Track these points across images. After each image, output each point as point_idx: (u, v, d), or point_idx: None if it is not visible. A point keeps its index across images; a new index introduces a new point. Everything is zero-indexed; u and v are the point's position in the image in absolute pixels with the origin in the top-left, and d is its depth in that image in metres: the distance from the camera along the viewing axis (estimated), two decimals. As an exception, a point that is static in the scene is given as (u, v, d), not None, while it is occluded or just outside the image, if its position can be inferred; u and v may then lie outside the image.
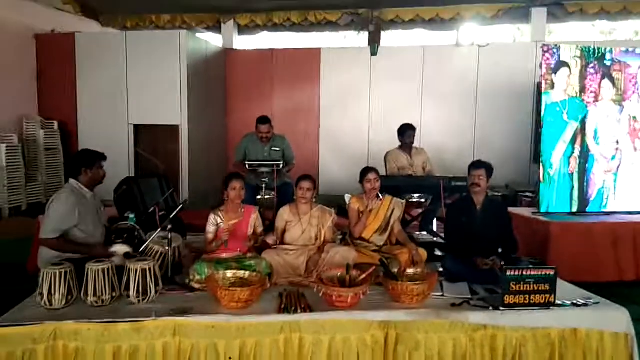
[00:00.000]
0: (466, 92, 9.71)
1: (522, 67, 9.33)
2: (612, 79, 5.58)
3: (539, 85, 6.52)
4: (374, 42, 9.44)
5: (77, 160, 3.54)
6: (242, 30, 10.87)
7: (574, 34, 13.32)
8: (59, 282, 2.81)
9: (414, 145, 5.73)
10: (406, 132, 5.61)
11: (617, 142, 5.63)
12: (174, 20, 10.39)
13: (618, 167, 5.66)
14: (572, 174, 5.50)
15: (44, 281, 2.81)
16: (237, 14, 10.30)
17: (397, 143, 5.73)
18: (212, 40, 10.51)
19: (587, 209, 5.57)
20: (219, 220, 3.75)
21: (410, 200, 5.25)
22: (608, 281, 4.91)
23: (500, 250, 3.77)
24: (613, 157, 5.63)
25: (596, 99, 5.53)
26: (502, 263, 3.52)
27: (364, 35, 9.98)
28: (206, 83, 9.80)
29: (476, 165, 3.89)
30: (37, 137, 8.88)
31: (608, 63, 5.56)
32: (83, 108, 9.43)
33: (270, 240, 3.81)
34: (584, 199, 5.58)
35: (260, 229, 3.91)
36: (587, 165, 5.55)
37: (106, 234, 3.61)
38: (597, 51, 5.55)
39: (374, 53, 9.48)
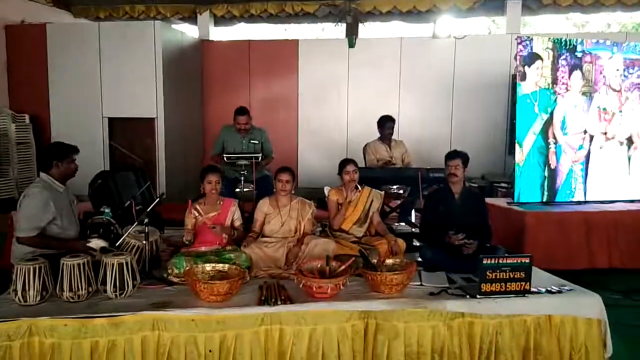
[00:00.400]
0: (443, 84, 9.80)
1: (498, 59, 9.44)
2: (582, 71, 5.68)
3: (514, 77, 6.62)
4: (351, 33, 9.42)
5: (48, 153, 3.44)
6: (218, 21, 10.74)
7: (548, 26, 13.54)
8: (33, 278, 2.75)
9: (393, 137, 5.76)
10: (386, 123, 5.64)
11: (585, 132, 5.73)
12: (149, 11, 10.20)
13: (587, 157, 5.78)
14: (545, 166, 5.60)
15: (18, 277, 2.75)
16: (213, 5, 10.17)
17: (376, 135, 5.76)
18: (187, 32, 10.36)
19: (556, 199, 5.68)
20: (197, 213, 3.71)
21: (389, 191, 5.28)
22: (582, 268, 5.05)
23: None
24: (580, 147, 5.74)
25: (567, 90, 5.63)
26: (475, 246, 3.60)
27: (342, 27, 9.96)
28: (182, 75, 9.67)
29: (452, 155, 3.93)
30: (8, 131, 8.64)
31: (579, 55, 5.66)
32: (55, 101, 9.21)
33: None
34: (552, 189, 5.68)
35: (238, 222, 3.88)
36: (555, 155, 5.65)
37: (81, 228, 3.55)
38: (568, 43, 5.63)
39: (351, 45, 9.46)
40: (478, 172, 8.89)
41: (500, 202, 5.82)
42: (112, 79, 8.99)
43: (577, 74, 5.65)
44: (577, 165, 5.75)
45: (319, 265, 3.23)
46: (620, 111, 5.84)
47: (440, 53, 9.74)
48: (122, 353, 2.64)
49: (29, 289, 2.75)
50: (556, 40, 5.60)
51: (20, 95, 9.23)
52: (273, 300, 2.86)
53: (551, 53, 5.55)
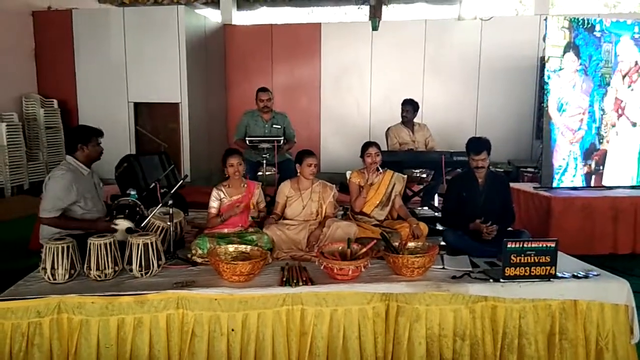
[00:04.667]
0: (468, 67, 9.63)
1: (526, 41, 9.22)
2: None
3: (542, 59, 6.43)
4: (375, 16, 9.30)
5: (73, 136, 3.50)
6: (241, 5, 10.74)
7: (578, 7, 13.09)
8: (62, 257, 2.82)
9: (417, 121, 5.69)
10: (405, 106, 5.58)
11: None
12: (172, -4, 10.28)
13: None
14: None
15: (47, 256, 2.82)
16: (235, -11, 10.17)
17: (399, 119, 5.70)
18: (210, 16, 10.38)
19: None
20: (222, 196, 3.75)
21: (412, 175, 5.24)
22: (608, 254, 4.98)
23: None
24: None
25: (585, 72, 5.44)
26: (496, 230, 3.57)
27: (365, 10, 9.84)
28: (205, 59, 9.72)
29: (476, 149, 3.76)
30: (37, 116, 8.86)
31: (598, 34, 5.44)
32: (82, 86, 9.39)
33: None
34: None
35: (262, 205, 3.91)
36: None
37: (107, 210, 3.61)
38: (586, 22, 5.41)
39: (375, 28, 9.34)
40: (504, 157, 8.75)
41: (527, 187, 5.72)
42: (137, 64, 9.10)
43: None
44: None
45: (340, 248, 3.23)
46: (630, 86, 5.59)
47: (466, 35, 9.56)
48: (147, 330, 2.70)
49: (57, 268, 2.82)
50: (573, 20, 5.39)
51: (48, 81, 9.42)
52: (294, 281, 2.88)
53: (567, 33, 5.35)
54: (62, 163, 3.47)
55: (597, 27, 5.43)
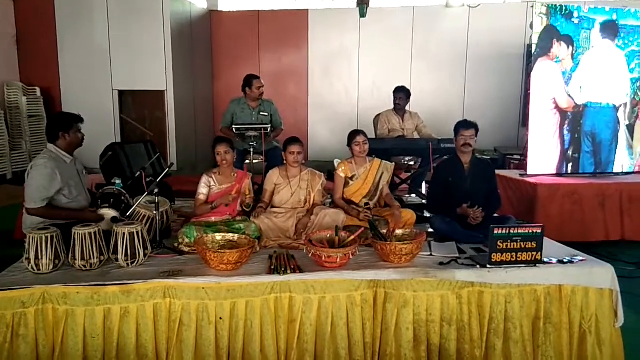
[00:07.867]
0: (456, 54, 9.63)
1: (513, 28, 9.24)
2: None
3: (529, 46, 6.43)
4: (362, 3, 9.24)
5: (54, 124, 3.42)
6: (227, -9, 10.59)
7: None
8: (46, 247, 2.78)
9: (408, 109, 5.69)
10: (398, 93, 5.58)
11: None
12: (157, -19, 10.06)
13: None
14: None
15: (30, 246, 2.78)
16: (221, -26, 10.01)
17: (387, 106, 5.69)
18: (196, 2, 10.22)
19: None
20: (212, 183, 3.72)
21: (401, 162, 5.25)
22: (595, 241, 5.03)
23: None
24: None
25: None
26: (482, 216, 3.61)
27: (353, -4, 9.76)
28: (191, 46, 9.60)
29: (466, 125, 3.85)
30: (20, 104, 8.69)
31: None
32: (65, 73, 9.23)
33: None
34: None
35: (250, 198, 3.86)
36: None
37: (92, 199, 3.56)
38: (564, 8, 5.39)
39: (362, 15, 9.29)
40: (491, 145, 8.79)
41: (513, 174, 5.76)
42: (121, 51, 8.96)
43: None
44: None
45: (328, 236, 3.22)
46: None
47: (454, 22, 9.54)
48: (134, 320, 2.68)
49: (41, 258, 2.78)
50: (551, 6, 5.38)
51: (30, 69, 9.25)
52: (283, 269, 2.87)
53: (544, 19, 5.34)
54: (43, 152, 3.39)
55: (575, 14, 5.41)
